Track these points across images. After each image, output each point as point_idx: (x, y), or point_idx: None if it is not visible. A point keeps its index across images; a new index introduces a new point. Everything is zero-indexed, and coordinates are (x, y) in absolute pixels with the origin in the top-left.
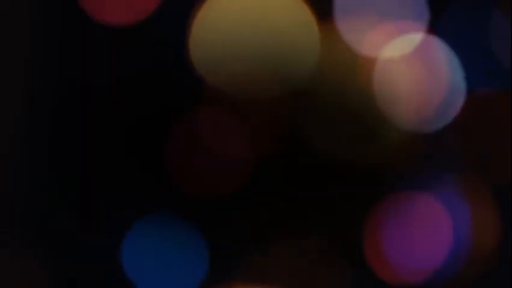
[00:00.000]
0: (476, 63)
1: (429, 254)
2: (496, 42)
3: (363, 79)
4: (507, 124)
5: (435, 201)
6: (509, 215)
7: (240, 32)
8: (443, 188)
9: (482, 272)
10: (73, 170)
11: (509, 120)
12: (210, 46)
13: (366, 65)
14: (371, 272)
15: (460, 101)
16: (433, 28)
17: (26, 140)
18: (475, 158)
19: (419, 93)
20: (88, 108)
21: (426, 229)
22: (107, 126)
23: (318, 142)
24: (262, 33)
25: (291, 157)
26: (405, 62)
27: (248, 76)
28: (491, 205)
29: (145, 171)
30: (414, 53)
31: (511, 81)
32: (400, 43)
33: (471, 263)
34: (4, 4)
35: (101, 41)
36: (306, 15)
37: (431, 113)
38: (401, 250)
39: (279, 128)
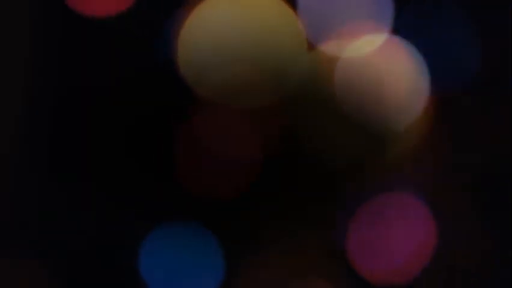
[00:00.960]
0: (440, 63)
1: (412, 255)
2: (460, 43)
3: (327, 79)
4: (475, 123)
5: (417, 202)
6: (509, 215)
7: (227, 40)
8: (420, 189)
9: (468, 274)
10: (73, 170)
11: (509, 120)
12: (198, 56)
13: (330, 65)
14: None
15: (423, 101)
16: (397, 28)
17: (26, 140)
18: (442, 159)
19: (382, 93)
20: (88, 108)
21: (409, 230)
22: (108, 126)
23: (309, 143)
24: (250, 39)
25: (285, 158)
26: (369, 62)
27: (239, 84)
28: (467, 206)
29: (146, 171)
30: (377, 53)
31: (511, 82)
32: (364, 43)
33: (455, 265)
34: (4, 4)
35: (101, 41)
36: (293, 20)
37: (395, 113)
38: (385, 251)
39: (276, 130)
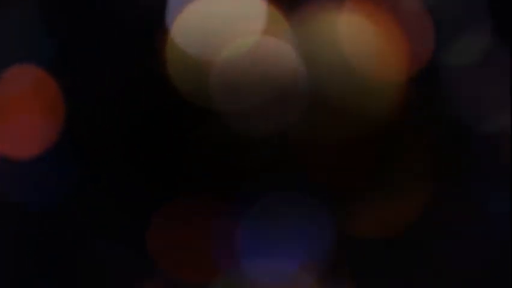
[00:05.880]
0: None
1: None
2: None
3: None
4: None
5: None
6: (509, 215)
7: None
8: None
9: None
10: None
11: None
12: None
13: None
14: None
15: (304, 101)
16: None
17: None
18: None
19: (261, 94)
20: None
21: (206, 231)
22: None
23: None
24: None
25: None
26: (246, 63)
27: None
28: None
29: None
30: (254, 54)
31: (511, 78)
32: (239, 44)
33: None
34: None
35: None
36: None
37: (274, 114)
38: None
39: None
